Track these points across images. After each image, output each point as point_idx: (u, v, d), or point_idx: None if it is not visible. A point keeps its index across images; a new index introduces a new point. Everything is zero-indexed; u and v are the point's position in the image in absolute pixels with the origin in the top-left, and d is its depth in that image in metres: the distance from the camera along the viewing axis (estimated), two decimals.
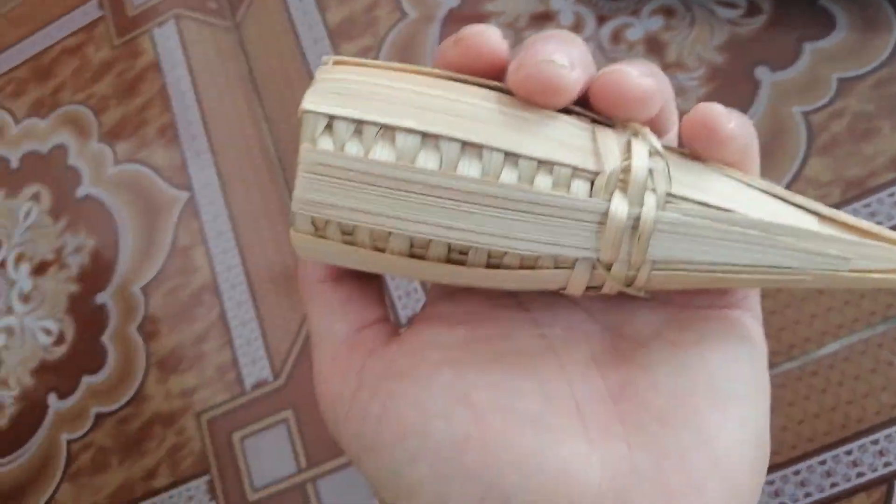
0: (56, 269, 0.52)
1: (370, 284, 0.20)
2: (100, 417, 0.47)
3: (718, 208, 0.17)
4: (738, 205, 0.17)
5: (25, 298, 0.52)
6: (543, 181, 0.16)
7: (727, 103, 0.17)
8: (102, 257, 0.51)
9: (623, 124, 0.17)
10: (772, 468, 0.35)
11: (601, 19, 0.45)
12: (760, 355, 0.19)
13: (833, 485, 0.35)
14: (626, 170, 0.16)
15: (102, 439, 0.47)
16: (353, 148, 0.16)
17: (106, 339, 0.49)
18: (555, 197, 0.16)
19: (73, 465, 0.47)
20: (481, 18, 0.48)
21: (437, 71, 0.18)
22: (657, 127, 0.19)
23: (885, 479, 0.34)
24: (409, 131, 0.16)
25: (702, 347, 0.18)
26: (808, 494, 0.35)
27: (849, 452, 0.35)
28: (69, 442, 0.47)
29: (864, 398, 0.35)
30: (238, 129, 0.51)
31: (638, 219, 0.16)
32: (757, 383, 0.18)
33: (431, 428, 0.17)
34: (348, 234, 0.17)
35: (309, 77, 0.51)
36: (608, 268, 0.17)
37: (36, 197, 0.54)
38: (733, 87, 0.41)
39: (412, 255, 0.17)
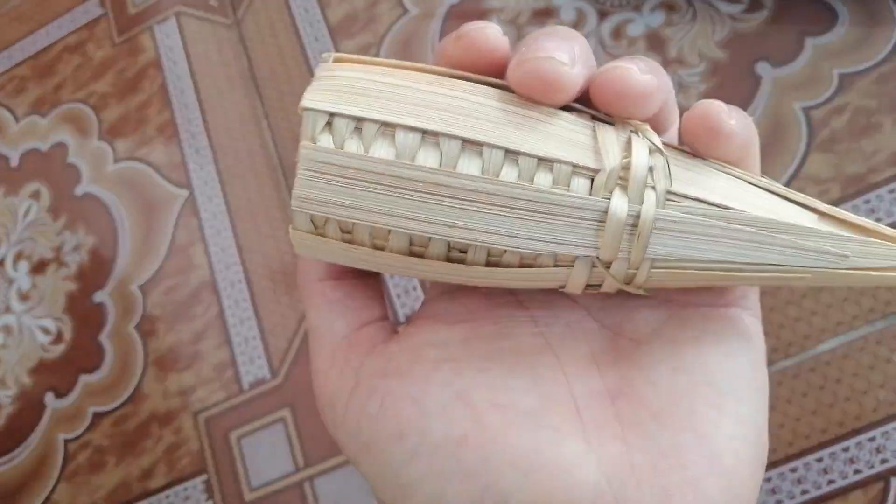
0: (55, 268, 0.52)
1: (369, 283, 0.20)
2: (97, 417, 0.47)
3: (718, 206, 0.17)
4: (738, 202, 0.17)
5: (24, 297, 0.52)
6: (543, 179, 0.16)
7: (728, 99, 0.17)
8: (101, 255, 0.51)
9: (623, 121, 0.17)
10: (769, 465, 0.35)
11: (602, 15, 0.45)
12: (759, 353, 0.19)
13: (830, 482, 0.35)
14: (626, 167, 0.16)
15: (100, 439, 0.47)
16: (352, 146, 0.16)
17: (104, 337, 0.49)
18: (554, 195, 0.16)
19: (70, 464, 0.47)
20: (482, 14, 0.48)
21: (437, 68, 0.18)
22: (657, 124, 0.19)
23: (882, 476, 0.34)
24: (409, 129, 0.16)
25: (701, 346, 0.18)
26: (804, 491, 0.35)
27: (846, 449, 0.35)
28: (66, 441, 0.47)
29: (862, 395, 0.35)
30: (238, 126, 0.51)
31: (637, 216, 0.16)
32: (755, 381, 0.18)
33: (429, 426, 0.17)
34: (348, 233, 0.17)
35: (309, 74, 0.51)
36: (608, 266, 0.17)
37: (35, 195, 0.54)
38: (734, 83, 0.41)
39: (412, 254, 0.17)
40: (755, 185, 0.17)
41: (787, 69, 0.41)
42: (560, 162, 0.16)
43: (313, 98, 0.16)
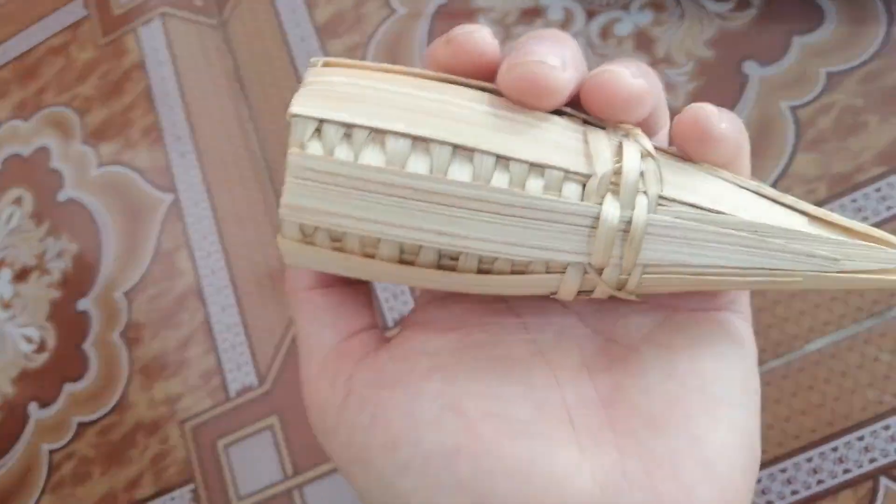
0: (38, 275, 0.51)
1: (359, 291, 0.20)
2: (82, 427, 0.47)
3: (710, 210, 0.17)
4: (729, 206, 0.17)
5: (6, 305, 0.51)
6: (535, 185, 0.16)
7: (715, 99, 0.17)
8: (85, 262, 0.50)
9: (614, 125, 0.17)
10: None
11: (591, 14, 0.45)
12: (750, 357, 0.19)
13: (819, 482, 0.35)
14: (618, 172, 0.16)
15: (84, 449, 0.46)
16: (342, 152, 0.16)
17: (88, 346, 0.48)
18: (546, 201, 0.16)
19: (54, 475, 0.46)
20: (470, 14, 0.47)
21: (427, 72, 0.17)
22: (647, 127, 0.18)
23: (871, 476, 0.34)
24: (400, 135, 0.16)
25: (693, 351, 0.18)
26: (794, 492, 0.35)
27: (835, 449, 0.35)
28: (51, 452, 0.47)
29: (851, 394, 0.36)
30: (223, 129, 0.50)
31: (629, 222, 0.16)
32: (747, 386, 0.18)
33: (422, 437, 0.17)
34: (337, 241, 0.17)
35: (296, 76, 0.50)
36: (600, 272, 0.17)
37: (17, 201, 0.53)
38: (722, 83, 0.41)
39: (402, 262, 0.17)
40: (746, 189, 0.17)
41: (775, 68, 0.41)
42: (552, 167, 0.16)
43: (302, 104, 0.16)
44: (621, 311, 0.19)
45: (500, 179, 0.16)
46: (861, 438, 0.35)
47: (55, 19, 0.58)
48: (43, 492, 0.46)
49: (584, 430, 0.17)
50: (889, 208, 0.38)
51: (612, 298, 0.19)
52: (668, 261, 0.17)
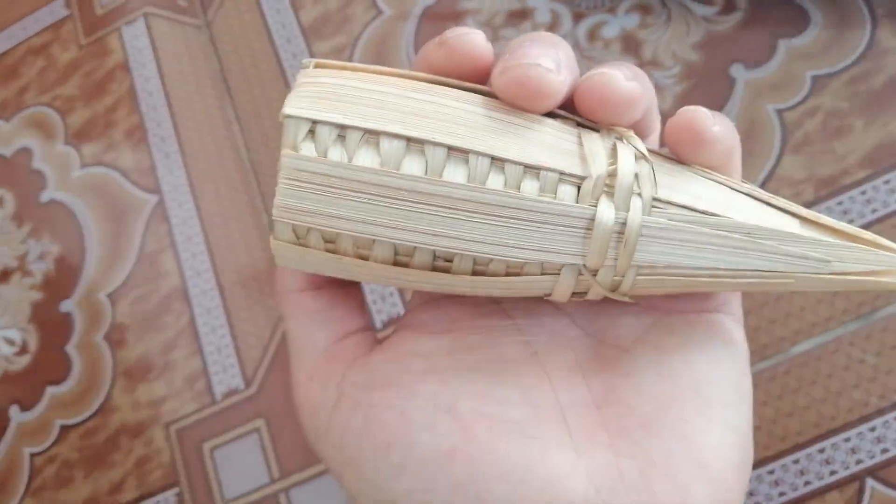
0: (19, 277, 0.50)
1: (350, 293, 0.20)
2: (64, 430, 0.46)
3: (703, 212, 0.17)
4: (722, 208, 0.17)
5: None
6: (530, 187, 0.16)
7: (703, 102, 0.17)
8: (67, 264, 0.50)
9: (608, 128, 0.17)
10: None
11: (577, 17, 0.45)
12: (742, 358, 0.19)
13: (806, 483, 0.35)
14: (613, 174, 0.16)
15: (67, 452, 0.46)
16: (336, 154, 0.16)
17: (71, 348, 0.48)
18: (541, 203, 0.16)
19: (36, 479, 0.46)
20: (457, 16, 0.47)
21: (419, 74, 0.17)
22: (639, 129, 0.19)
23: (857, 477, 0.35)
24: (394, 136, 0.16)
25: (686, 352, 0.18)
26: (782, 493, 0.35)
27: (822, 451, 0.35)
28: (32, 455, 0.46)
29: (837, 396, 0.36)
30: (208, 129, 0.50)
31: (624, 224, 0.16)
32: (740, 386, 0.18)
33: (416, 440, 0.16)
34: (331, 242, 0.17)
35: (282, 77, 0.50)
36: (594, 273, 0.17)
37: None
38: (709, 85, 0.42)
39: (396, 263, 0.17)
40: (738, 191, 0.18)
41: (761, 71, 0.42)
42: (547, 169, 0.16)
43: (295, 105, 0.16)
44: (614, 313, 0.19)
45: (495, 181, 0.16)
46: (847, 440, 0.35)
47: (36, 19, 0.57)
48: (24, 496, 0.45)
49: (578, 431, 0.17)
50: (874, 211, 0.38)
51: (604, 300, 0.19)
52: (662, 262, 0.17)
